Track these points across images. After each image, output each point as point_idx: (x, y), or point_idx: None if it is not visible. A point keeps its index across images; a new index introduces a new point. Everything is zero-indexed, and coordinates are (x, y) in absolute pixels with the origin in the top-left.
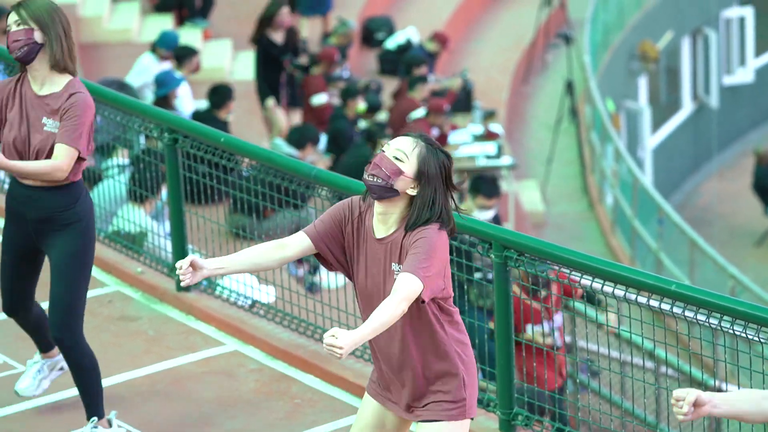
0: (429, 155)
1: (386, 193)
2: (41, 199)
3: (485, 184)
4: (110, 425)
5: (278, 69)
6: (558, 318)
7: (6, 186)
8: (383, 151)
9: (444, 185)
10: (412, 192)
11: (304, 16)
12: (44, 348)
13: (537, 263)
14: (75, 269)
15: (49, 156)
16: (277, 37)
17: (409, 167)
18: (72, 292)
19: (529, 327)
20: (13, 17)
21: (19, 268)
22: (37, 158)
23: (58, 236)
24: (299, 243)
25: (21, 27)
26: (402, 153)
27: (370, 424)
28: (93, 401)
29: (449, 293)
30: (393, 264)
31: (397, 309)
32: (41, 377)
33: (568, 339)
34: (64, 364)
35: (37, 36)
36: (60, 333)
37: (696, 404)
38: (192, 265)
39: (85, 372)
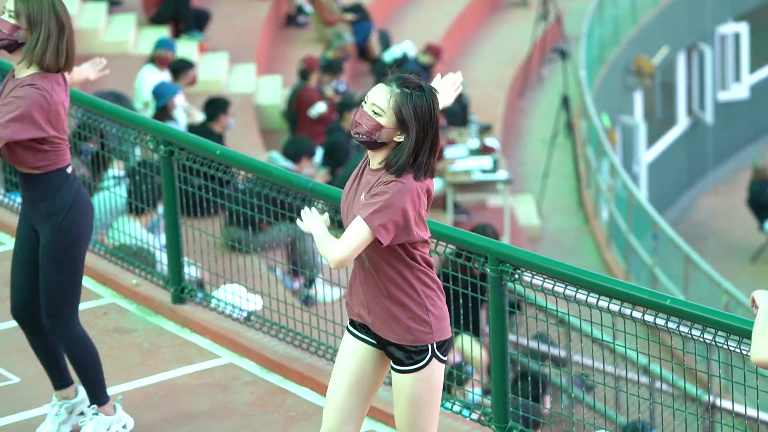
0: (405, 101)
1: (374, 145)
2: (25, 185)
3: None
4: (115, 411)
5: None
6: None
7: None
8: (363, 106)
9: (429, 124)
10: (400, 139)
11: None
12: (57, 384)
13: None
14: (56, 263)
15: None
16: None
17: (388, 119)
18: (51, 285)
19: None
20: (9, 4)
21: (21, 261)
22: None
23: (43, 226)
24: None
25: (10, 19)
26: (377, 107)
27: (350, 362)
28: (92, 388)
29: (420, 237)
30: (362, 196)
31: (333, 252)
32: (60, 421)
33: (563, 353)
34: (84, 407)
35: (21, 35)
36: (48, 322)
37: None
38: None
39: (81, 360)
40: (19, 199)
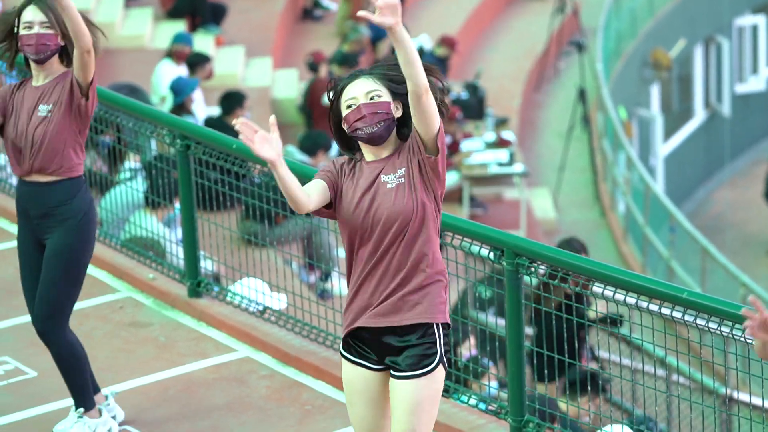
0: (389, 73)
1: (390, 128)
2: (41, 194)
3: None
4: (100, 415)
5: None
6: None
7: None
8: (354, 106)
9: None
10: (398, 113)
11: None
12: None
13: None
14: (63, 265)
15: (51, 142)
16: None
17: (387, 95)
18: (58, 287)
19: None
20: (38, 15)
21: (32, 271)
22: (40, 148)
23: (54, 231)
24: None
25: (49, 31)
26: (374, 92)
27: (361, 390)
28: (78, 393)
29: (441, 194)
30: (390, 175)
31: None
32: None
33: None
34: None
35: (60, 40)
36: (43, 326)
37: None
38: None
39: (69, 365)
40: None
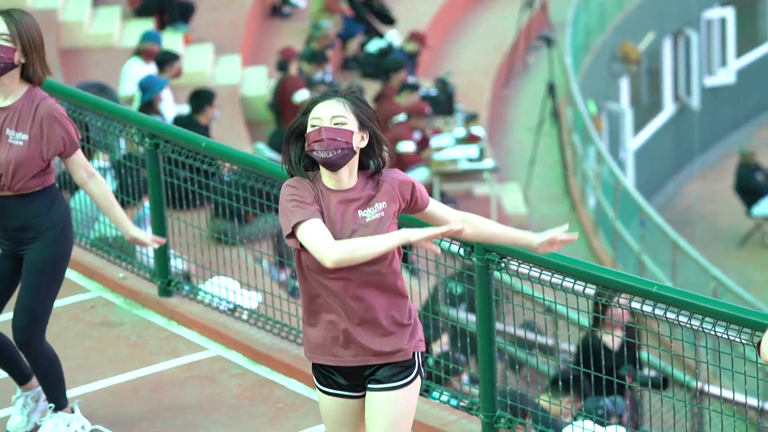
0: (358, 105)
1: (347, 158)
2: (15, 207)
3: None
4: (72, 412)
5: None
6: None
7: None
8: (318, 126)
9: (377, 121)
10: (363, 144)
11: None
12: (21, 380)
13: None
14: (45, 277)
15: (23, 167)
16: None
17: (353, 124)
18: (40, 300)
19: None
20: (1, 26)
21: None
22: (10, 172)
23: (32, 243)
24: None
25: (8, 44)
26: (341, 117)
27: (339, 419)
28: (54, 393)
29: None
30: (367, 210)
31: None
32: (28, 411)
33: (550, 341)
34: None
35: (17, 56)
36: (23, 338)
37: None
38: None
39: (45, 370)
40: None
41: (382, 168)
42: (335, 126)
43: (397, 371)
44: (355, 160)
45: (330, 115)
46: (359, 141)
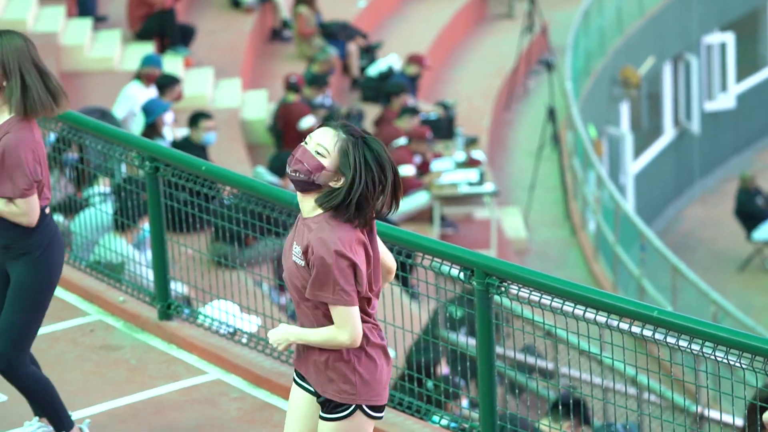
0: (351, 148)
1: (309, 187)
2: (1, 225)
3: None
4: None
5: None
6: None
7: None
8: (305, 144)
9: (372, 175)
10: (336, 185)
11: None
12: (36, 411)
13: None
14: (20, 302)
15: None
16: None
17: (331, 162)
18: (20, 323)
19: None
20: None
21: None
22: None
23: (14, 264)
24: None
25: None
26: (323, 148)
27: (294, 409)
28: (55, 418)
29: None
30: (297, 247)
31: (344, 338)
32: None
33: (551, 365)
34: None
35: None
36: (2, 364)
37: None
38: None
39: (36, 394)
40: None
41: (330, 208)
42: (310, 151)
43: (331, 403)
44: (314, 193)
45: (317, 141)
46: (328, 179)
